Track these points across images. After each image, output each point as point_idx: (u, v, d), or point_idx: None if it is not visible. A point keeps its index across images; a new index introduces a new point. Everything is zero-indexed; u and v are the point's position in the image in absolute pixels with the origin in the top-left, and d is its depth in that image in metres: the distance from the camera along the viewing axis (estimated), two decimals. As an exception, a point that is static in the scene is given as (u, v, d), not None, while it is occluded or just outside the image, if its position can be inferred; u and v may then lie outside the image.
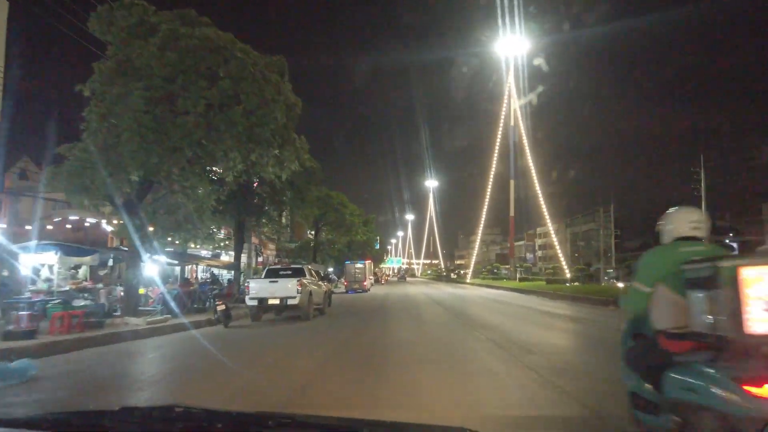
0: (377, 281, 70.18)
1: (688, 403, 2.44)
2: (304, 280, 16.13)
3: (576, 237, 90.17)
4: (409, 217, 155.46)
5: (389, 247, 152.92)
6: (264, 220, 22.57)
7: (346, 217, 38.32)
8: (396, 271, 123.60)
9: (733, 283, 2.26)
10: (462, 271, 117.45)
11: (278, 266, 19.36)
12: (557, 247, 47.20)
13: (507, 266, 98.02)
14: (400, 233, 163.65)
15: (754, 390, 2.09)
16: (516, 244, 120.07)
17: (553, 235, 47.50)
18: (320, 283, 18.78)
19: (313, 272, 18.21)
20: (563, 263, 47.26)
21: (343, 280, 39.93)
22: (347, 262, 39.34)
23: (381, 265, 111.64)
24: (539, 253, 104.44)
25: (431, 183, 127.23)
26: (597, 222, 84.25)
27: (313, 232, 41.58)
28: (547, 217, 46.92)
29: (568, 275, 43.59)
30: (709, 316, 2.45)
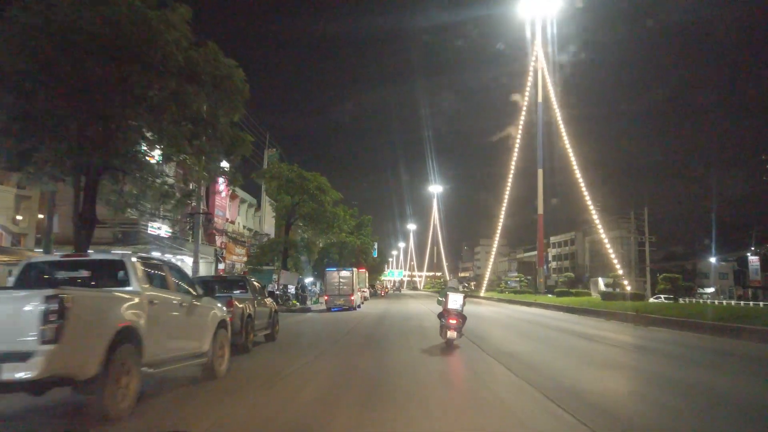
0: (375, 294, 58.75)
1: (442, 323, 11.25)
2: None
3: (597, 246, 78.90)
4: (411, 227, 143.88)
5: (390, 260, 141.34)
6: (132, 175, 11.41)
7: (327, 207, 27.35)
8: (392, 283, 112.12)
9: (447, 296, 11.34)
10: (470, 283, 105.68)
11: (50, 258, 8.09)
12: (610, 253, 35.80)
13: (515, 277, 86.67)
14: (402, 244, 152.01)
15: (450, 320, 10.92)
16: (526, 254, 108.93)
17: (605, 239, 36.01)
18: (209, 306, 7.66)
19: (169, 272, 6.92)
20: (618, 272, 35.82)
21: (324, 293, 28.81)
22: (328, 270, 28.33)
23: (381, 278, 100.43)
24: (553, 264, 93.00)
25: (435, 188, 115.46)
26: (623, 229, 73.27)
27: (299, 230, 30.48)
28: (595, 214, 35.69)
29: (629, 288, 32.30)
30: (437, 304, 12.80)
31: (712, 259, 66.68)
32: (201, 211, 27.13)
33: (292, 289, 29.49)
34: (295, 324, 19.97)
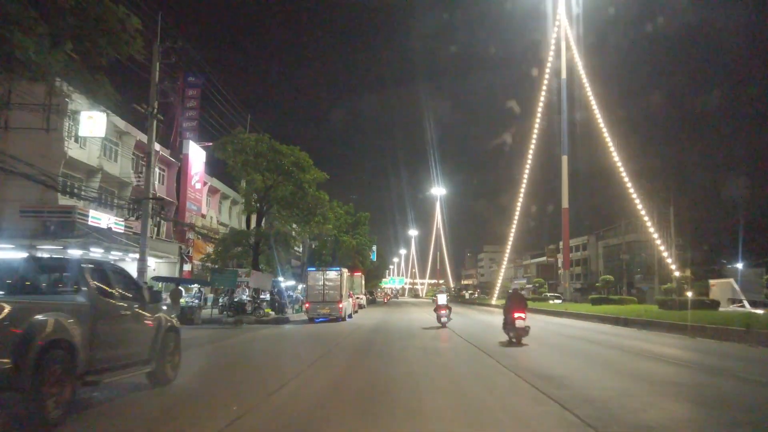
0: (373, 302, 52.23)
1: (437, 314, 18.48)
2: None
3: (613, 251, 72.82)
4: (413, 232, 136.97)
5: (391, 267, 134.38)
6: None
7: (307, 189, 20.91)
8: (391, 291, 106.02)
9: (437, 297, 19.33)
10: (475, 290, 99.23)
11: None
12: (664, 256, 29.06)
13: (524, 285, 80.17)
14: (403, 251, 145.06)
15: (441, 310, 17.85)
16: (533, 260, 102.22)
17: (656, 238, 28.98)
18: None
19: None
20: (676, 276, 29.03)
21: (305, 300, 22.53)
22: (309, 269, 21.97)
23: (382, 285, 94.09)
24: (562, 270, 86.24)
25: (438, 191, 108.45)
26: (640, 232, 66.92)
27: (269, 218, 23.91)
28: (641, 208, 28.95)
29: (689, 294, 25.55)
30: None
31: (739, 265, 60.33)
32: (151, 195, 21.07)
33: (266, 295, 23.33)
34: (248, 343, 13.84)
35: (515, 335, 12.25)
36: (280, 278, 31.27)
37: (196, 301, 19.65)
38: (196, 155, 33.95)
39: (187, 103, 34.91)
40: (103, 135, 22.44)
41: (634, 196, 30.04)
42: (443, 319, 17.79)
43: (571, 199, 49.89)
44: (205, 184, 36.67)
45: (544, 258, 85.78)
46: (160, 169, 32.00)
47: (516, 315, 12.29)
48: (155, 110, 21.07)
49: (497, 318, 26.11)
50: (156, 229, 30.71)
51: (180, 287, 18.56)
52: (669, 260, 28.84)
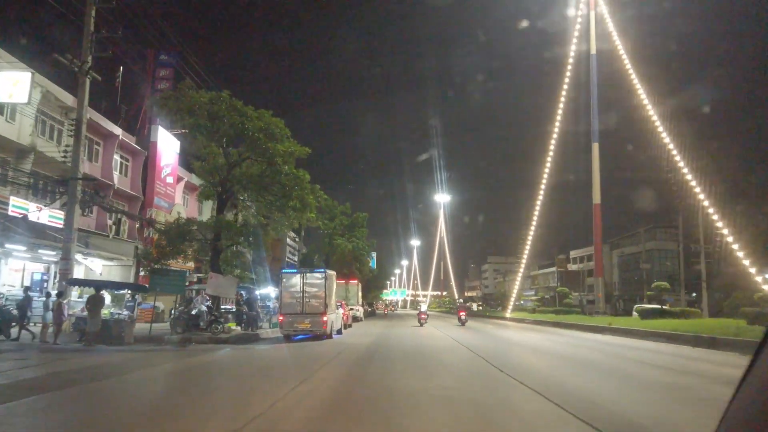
0: (372, 314, 46.52)
1: (418, 318, 28.62)
2: None
3: (630, 260, 67.52)
4: (416, 242, 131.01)
5: (393, 278, 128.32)
6: None
7: (280, 167, 15.38)
8: (390, 303, 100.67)
9: (420, 306, 32.99)
10: (479, 303, 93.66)
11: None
12: (739, 257, 23.47)
13: (534, 297, 74.79)
14: (405, 262, 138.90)
15: (422, 315, 28.32)
16: (541, 272, 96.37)
17: (733, 245, 23.11)
18: None
19: None
20: (752, 285, 23.43)
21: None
22: (284, 272, 16.56)
23: (383, 297, 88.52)
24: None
25: (442, 197, 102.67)
26: (665, 239, 61.68)
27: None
28: (710, 207, 23.54)
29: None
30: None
31: (768, 275, 54.94)
32: (80, 175, 15.98)
33: (233, 306, 18.14)
34: (167, 377, 8.69)
35: (461, 322, 26.27)
36: (269, 287, 26.17)
37: (126, 312, 14.51)
38: (168, 144, 28.95)
39: (158, 84, 30.05)
40: (26, 101, 17.43)
41: (698, 190, 24.76)
42: (422, 322, 26.81)
43: (584, 205, 44.69)
44: (180, 179, 31.67)
45: (554, 268, 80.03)
46: (122, 158, 27.01)
47: (461, 313, 27.42)
48: (88, 64, 16.14)
49: (536, 338, 20.28)
50: (114, 227, 25.62)
51: (103, 293, 13.40)
52: (746, 262, 23.37)
